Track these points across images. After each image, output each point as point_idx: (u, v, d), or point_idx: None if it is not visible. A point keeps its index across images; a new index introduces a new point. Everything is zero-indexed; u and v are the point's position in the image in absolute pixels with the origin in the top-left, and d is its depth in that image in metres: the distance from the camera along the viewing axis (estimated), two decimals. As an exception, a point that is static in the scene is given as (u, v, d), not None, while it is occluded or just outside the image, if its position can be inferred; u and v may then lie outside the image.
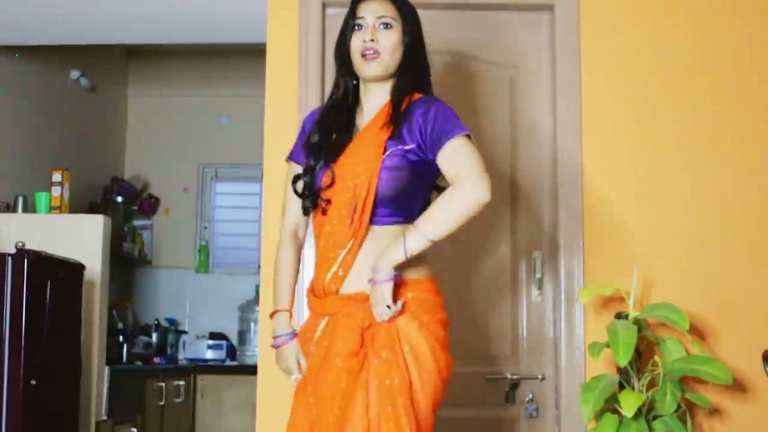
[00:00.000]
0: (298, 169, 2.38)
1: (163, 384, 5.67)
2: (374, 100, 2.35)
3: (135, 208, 6.66)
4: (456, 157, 2.17)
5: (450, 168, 2.19)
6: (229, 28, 4.44)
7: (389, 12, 2.31)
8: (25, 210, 4.68)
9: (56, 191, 4.67)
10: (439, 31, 3.32)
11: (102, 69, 6.38)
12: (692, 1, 3.31)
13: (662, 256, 3.17)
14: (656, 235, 3.19)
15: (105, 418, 4.72)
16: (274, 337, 2.37)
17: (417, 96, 2.33)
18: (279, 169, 3.15)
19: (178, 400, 5.90)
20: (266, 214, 3.17)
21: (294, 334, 2.35)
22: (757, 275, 3.18)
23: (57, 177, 4.69)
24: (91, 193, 6.22)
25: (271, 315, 2.40)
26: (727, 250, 3.19)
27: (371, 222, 2.22)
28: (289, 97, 3.21)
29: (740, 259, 3.18)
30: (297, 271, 2.42)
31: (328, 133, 2.32)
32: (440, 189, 2.29)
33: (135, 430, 5.18)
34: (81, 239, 4.55)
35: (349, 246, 2.21)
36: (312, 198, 2.28)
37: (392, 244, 2.15)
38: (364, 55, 2.29)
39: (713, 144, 3.24)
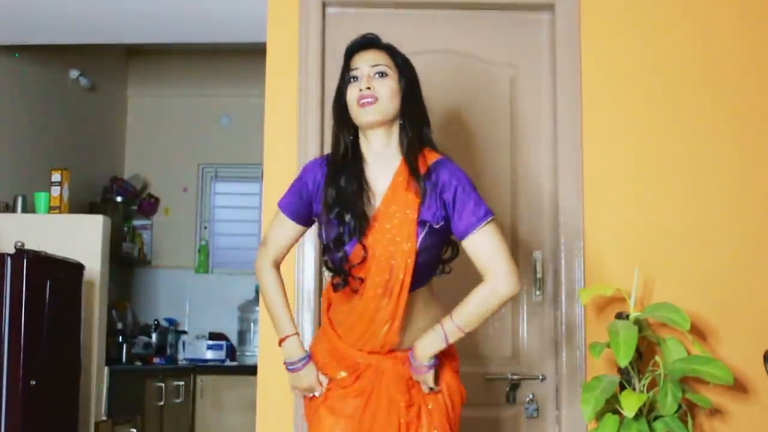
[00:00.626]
0: (285, 219, 2.38)
1: (163, 384, 5.67)
2: (376, 148, 2.33)
3: (135, 208, 6.66)
4: (486, 247, 2.24)
5: (481, 257, 2.24)
6: (229, 28, 4.44)
7: (383, 60, 2.31)
8: (25, 210, 4.68)
9: (56, 191, 4.67)
10: (439, 31, 3.32)
11: (102, 69, 6.38)
12: (692, 0, 3.30)
13: (662, 256, 3.16)
14: (656, 235, 3.18)
15: (104, 418, 4.72)
16: (290, 363, 2.37)
17: (431, 156, 2.31)
18: (279, 169, 3.16)
19: (177, 401, 5.90)
20: (266, 214, 3.17)
21: (309, 356, 2.37)
22: (757, 275, 3.17)
23: (56, 177, 4.69)
24: (91, 193, 6.22)
25: (280, 342, 2.39)
26: (727, 250, 3.18)
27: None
28: (289, 97, 3.20)
29: (740, 259, 3.18)
30: (286, 294, 2.43)
31: (348, 199, 2.26)
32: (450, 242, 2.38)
33: (134, 430, 5.18)
34: (80, 239, 4.55)
35: (388, 326, 2.26)
36: (344, 276, 2.26)
37: (431, 335, 2.24)
38: (361, 104, 2.27)
39: (713, 144, 3.23)
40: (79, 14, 4.30)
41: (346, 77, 2.33)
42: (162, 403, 5.66)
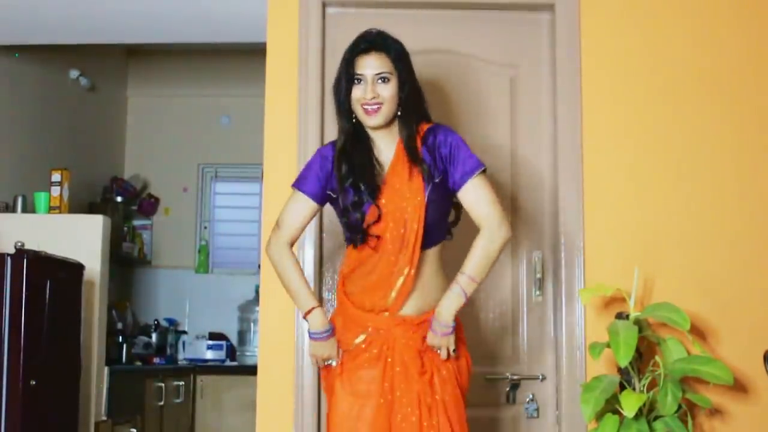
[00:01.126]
0: (303, 197, 2.55)
1: (163, 384, 5.67)
2: (382, 137, 2.55)
3: (135, 208, 6.66)
4: (478, 198, 2.48)
5: (474, 207, 2.48)
6: (229, 28, 4.44)
7: (386, 67, 2.50)
8: (25, 210, 4.68)
9: (56, 191, 4.67)
10: (439, 31, 3.32)
11: (102, 69, 6.38)
12: (692, 0, 3.30)
13: (662, 256, 3.16)
14: (656, 235, 3.18)
15: (104, 418, 4.72)
16: (316, 333, 2.52)
17: (425, 126, 2.56)
18: (279, 169, 3.16)
19: (177, 401, 5.89)
20: (266, 214, 3.17)
21: (333, 328, 2.53)
22: (757, 275, 3.18)
23: (56, 177, 4.69)
24: (91, 193, 6.22)
25: (306, 314, 2.54)
26: (727, 250, 3.18)
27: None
28: (289, 97, 3.20)
29: (740, 259, 3.18)
30: (303, 272, 2.61)
31: (360, 170, 2.49)
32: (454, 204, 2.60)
33: (134, 430, 5.18)
34: (80, 239, 4.55)
35: (405, 273, 2.46)
36: (362, 234, 2.47)
37: (450, 295, 2.44)
38: (366, 111, 2.49)
39: (714, 144, 3.23)
40: (79, 14, 4.30)
41: (348, 75, 2.51)
42: (162, 403, 5.65)
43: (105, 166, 6.55)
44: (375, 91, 2.48)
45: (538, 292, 3.21)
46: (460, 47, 3.32)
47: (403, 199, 2.46)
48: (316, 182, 2.55)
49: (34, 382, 3.72)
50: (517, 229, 3.24)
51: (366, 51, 2.51)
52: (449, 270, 2.53)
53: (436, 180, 2.48)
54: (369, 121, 2.51)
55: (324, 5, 3.25)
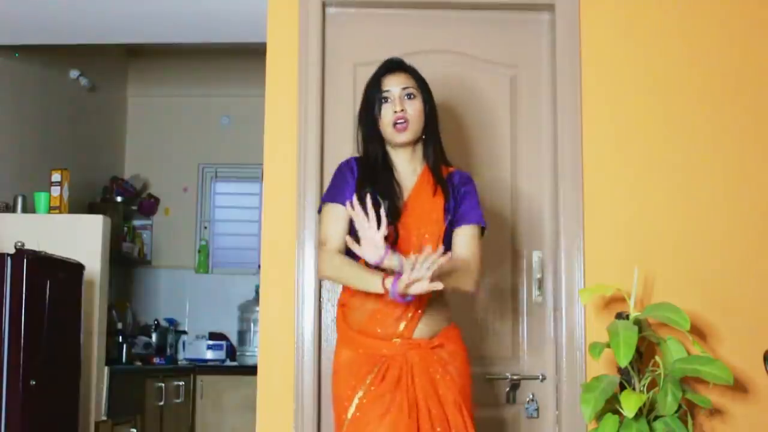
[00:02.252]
0: (340, 208, 2.52)
1: (163, 384, 5.67)
2: (404, 161, 2.61)
3: (135, 208, 6.66)
4: (468, 244, 2.55)
5: (461, 248, 2.54)
6: (229, 28, 4.44)
7: (411, 83, 2.59)
8: (25, 210, 4.68)
9: (56, 191, 4.67)
10: (440, 31, 3.32)
11: (102, 69, 6.38)
12: (692, 1, 3.30)
13: (662, 256, 3.16)
14: (656, 235, 3.18)
15: (104, 418, 4.72)
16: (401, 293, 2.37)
17: (450, 168, 2.65)
18: (279, 169, 3.16)
19: (177, 401, 5.90)
20: (266, 214, 3.17)
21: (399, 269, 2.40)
22: (757, 275, 3.17)
23: (56, 177, 4.69)
24: (91, 193, 6.22)
25: (382, 283, 2.36)
26: (727, 250, 3.18)
27: None
28: (289, 97, 3.20)
29: (741, 259, 3.18)
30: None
31: (383, 190, 2.52)
32: None
33: (134, 430, 5.18)
34: (80, 239, 4.55)
35: (418, 299, 2.41)
36: None
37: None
38: (396, 128, 2.55)
39: (714, 143, 3.23)
40: (79, 14, 4.30)
41: (377, 96, 2.57)
42: (162, 403, 5.66)
43: (105, 166, 6.55)
44: (403, 105, 2.55)
45: (538, 292, 3.21)
46: (460, 47, 3.31)
47: (424, 225, 2.52)
48: (346, 190, 2.54)
49: (34, 382, 3.72)
50: (517, 229, 3.25)
51: (391, 71, 2.60)
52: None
53: (451, 216, 2.56)
54: (398, 138, 2.55)
55: (324, 5, 3.25)
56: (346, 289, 2.57)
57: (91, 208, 5.95)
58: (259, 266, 3.25)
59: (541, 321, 3.21)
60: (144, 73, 6.88)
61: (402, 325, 2.48)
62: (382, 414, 2.38)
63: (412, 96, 2.57)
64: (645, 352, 2.94)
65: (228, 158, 6.81)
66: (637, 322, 2.85)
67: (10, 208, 4.70)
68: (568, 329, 3.13)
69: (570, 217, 3.17)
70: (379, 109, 2.57)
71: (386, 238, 2.39)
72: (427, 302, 2.49)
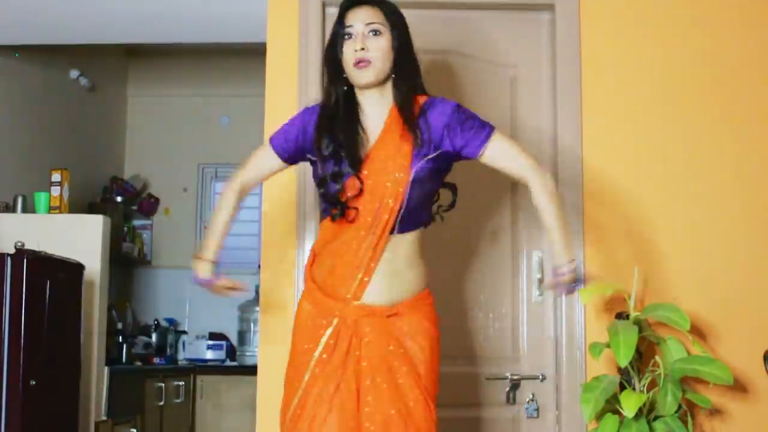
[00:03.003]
0: (271, 153, 2.47)
1: (163, 384, 5.67)
2: (373, 103, 2.39)
3: (135, 208, 6.66)
4: (508, 156, 2.38)
5: (508, 165, 2.38)
6: (229, 28, 4.44)
7: (377, 18, 2.35)
8: (25, 210, 4.68)
9: (56, 191, 4.67)
10: (439, 31, 3.32)
11: (102, 69, 6.38)
12: (692, 0, 3.30)
13: (662, 256, 3.16)
14: (656, 235, 3.18)
15: (104, 418, 4.72)
16: (195, 276, 2.53)
17: (421, 99, 2.39)
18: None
19: (177, 401, 5.90)
20: (266, 214, 3.17)
21: (210, 282, 2.53)
22: (757, 275, 3.17)
23: (56, 177, 4.69)
24: (91, 193, 6.22)
25: (195, 258, 2.51)
26: (727, 250, 3.18)
27: (390, 231, 2.30)
28: (289, 97, 3.20)
29: (740, 259, 3.18)
30: (232, 219, 2.60)
31: (344, 138, 2.33)
32: (445, 185, 2.46)
33: (134, 430, 5.18)
34: (80, 239, 4.55)
35: (371, 254, 2.29)
36: (341, 207, 2.31)
37: (560, 232, 2.38)
38: (357, 66, 2.33)
39: (714, 143, 3.23)
40: (79, 14, 4.30)
41: (340, 33, 2.36)
42: (162, 403, 5.66)
43: (105, 166, 6.55)
44: (365, 43, 2.31)
45: (538, 292, 3.21)
46: (460, 47, 3.31)
47: (384, 174, 2.28)
48: (288, 141, 2.43)
49: (34, 382, 3.72)
50: (517, 229, 3.25)
51: (357, 4, 2.36)
52: (435, 260, 2.48)
53: (431, 155, 2.31)
54: (358, 78, 2.33)
55: (324, 5, 3.25)
56: (320, 236, 2.41)
57: (91, 208, 5.95)
58: (259, 266, 3.25)
59: (541, 321, 3.21)
60: (144, 73, 6.88)
61: (354, 285, 2.29)
62: (328, 410, 2.24)
63: (377, 32, 2.32)
64: (645, 352, 2.94)
65: (228, 158, 6.77)
66: (637, 322, 2.85)
67: (10, 208, 4.70)
68: (568, 329, 3.13)
69: (570, 217, 3.16)
70: (341, 47, 2.35)
71: (350, 190, 2.28)
72: (392, 265, 2.31)
